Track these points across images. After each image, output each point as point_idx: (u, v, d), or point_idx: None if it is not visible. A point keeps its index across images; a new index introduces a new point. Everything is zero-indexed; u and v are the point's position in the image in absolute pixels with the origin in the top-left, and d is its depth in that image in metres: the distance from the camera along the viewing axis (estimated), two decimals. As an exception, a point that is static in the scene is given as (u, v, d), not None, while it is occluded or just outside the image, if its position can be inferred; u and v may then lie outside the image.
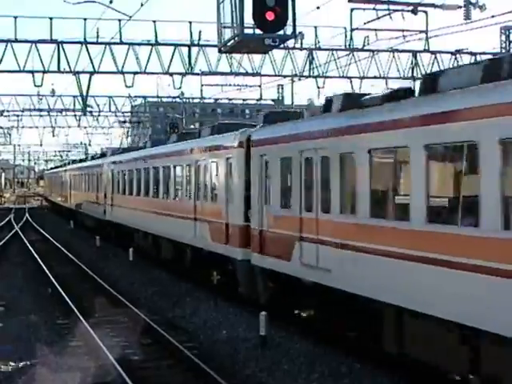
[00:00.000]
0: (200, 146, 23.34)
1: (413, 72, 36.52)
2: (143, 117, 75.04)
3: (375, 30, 32.15)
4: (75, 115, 62.32)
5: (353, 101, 14.92)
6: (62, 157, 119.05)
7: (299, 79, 38.66)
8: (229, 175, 20.20)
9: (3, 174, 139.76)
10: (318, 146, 15.10)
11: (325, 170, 14.80)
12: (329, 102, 16.00)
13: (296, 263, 15.94)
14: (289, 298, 17.02)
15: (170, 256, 26.62)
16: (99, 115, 62.28)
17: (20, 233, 45.73)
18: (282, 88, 53.29)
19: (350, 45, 35.15)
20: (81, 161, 62.71)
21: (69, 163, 71.67)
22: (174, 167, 25.86)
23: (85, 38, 33.05)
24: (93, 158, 53.99)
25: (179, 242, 24.83)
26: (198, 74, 37.05)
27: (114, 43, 33.48)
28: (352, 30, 31.52)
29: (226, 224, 20.20)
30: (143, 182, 30.79)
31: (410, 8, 27.65)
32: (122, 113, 63.21)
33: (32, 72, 34.01)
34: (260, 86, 45.28)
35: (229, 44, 13.53)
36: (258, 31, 12.64)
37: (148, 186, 29.92)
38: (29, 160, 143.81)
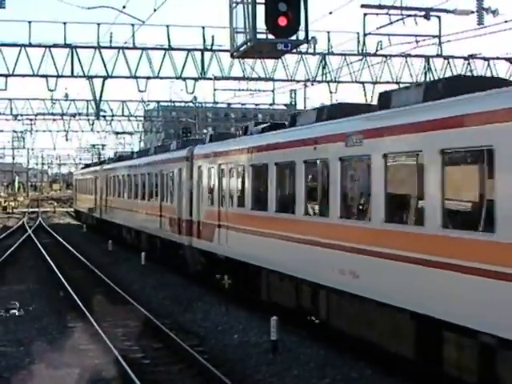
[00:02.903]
0: None
1: (426, 77, 36.44)
2: (156, 121, 75.24)
3: (388, 35, 32.11)
4: (88, 119, 62.66)
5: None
6: (74, 160, 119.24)
7: (312, 84, 38.65)
8: None
9: (17, 178, 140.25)
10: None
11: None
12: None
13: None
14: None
15: None
16: (112, 119, 62.57)
17: (33, 236, 45.94)
18: (295, 93, 53.30)
19: (362, 50, 35.16)
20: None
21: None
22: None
23: (98, 43, 33.20)
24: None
25: None
26: (210, 79, 37.09)
27: (127, 48, 33.62)
28: (365, 34, 31.44)
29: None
30: None
31: (423, 13, 27.62)
32: (135, 117, 63.44)
33: (46, 76, 34.20)
34: (273, 91, 45.28)
35: (241, 49, 13.52)
36: (270, 36, 12.63)
37: None
38: (42, 164, 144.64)
